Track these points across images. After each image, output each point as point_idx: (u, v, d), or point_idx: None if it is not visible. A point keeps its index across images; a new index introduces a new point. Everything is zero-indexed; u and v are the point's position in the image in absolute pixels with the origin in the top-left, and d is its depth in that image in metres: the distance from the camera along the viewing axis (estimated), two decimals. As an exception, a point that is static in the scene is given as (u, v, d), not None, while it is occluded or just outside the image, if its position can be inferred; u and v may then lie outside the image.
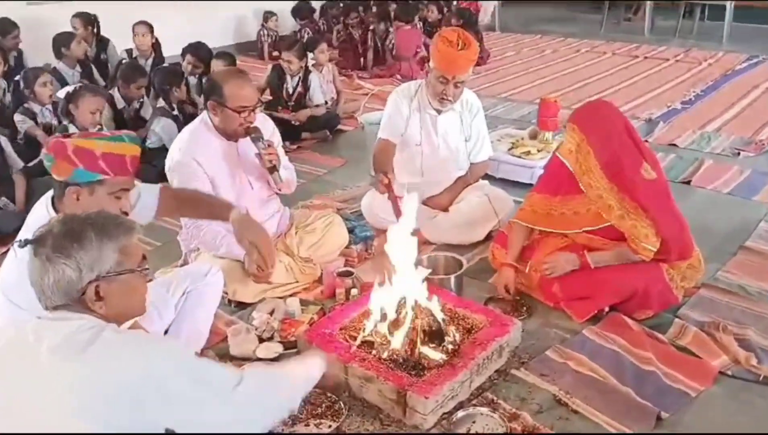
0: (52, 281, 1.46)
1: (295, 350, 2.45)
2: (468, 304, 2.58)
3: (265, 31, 8.20)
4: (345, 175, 4.37)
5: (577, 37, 9.14)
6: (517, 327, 2.46)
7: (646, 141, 4.77)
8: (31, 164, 3.79)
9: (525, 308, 2.74)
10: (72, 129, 3.66)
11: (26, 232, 1.89)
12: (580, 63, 7.66)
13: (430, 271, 2.40)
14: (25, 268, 1.52)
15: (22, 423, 1.37)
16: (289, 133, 4.91)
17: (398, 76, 6.88)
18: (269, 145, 2.81)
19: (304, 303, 2.80)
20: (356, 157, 4.52)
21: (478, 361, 2.23)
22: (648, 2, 9.50)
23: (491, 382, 2.30)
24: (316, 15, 8.62)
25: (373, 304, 2.34)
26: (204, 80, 3.70)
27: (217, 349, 2.51)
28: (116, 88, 4.66)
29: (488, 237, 3.21)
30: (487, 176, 3.70)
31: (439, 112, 3.28)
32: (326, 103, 5.30)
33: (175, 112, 4.55)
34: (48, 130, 4.14)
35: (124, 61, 5.53)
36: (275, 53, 7.73)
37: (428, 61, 3.23)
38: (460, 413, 2.13)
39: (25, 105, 4.26)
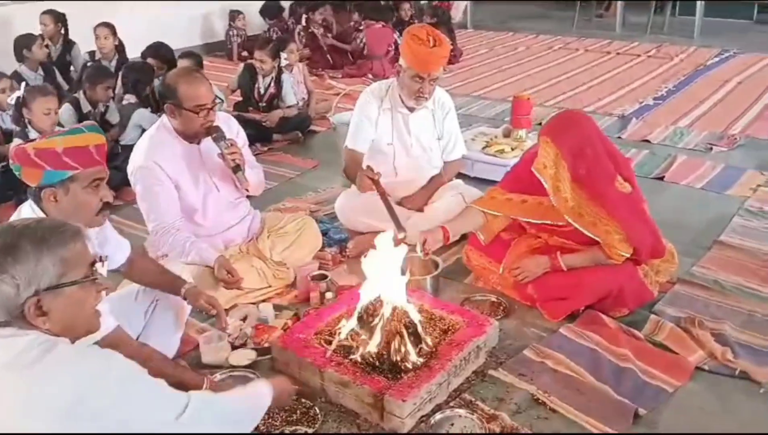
0: None
1: (269, 356, 2.41)
2: (444, 304, 2.56)
3: (234, 31, 8.08)
4: (317, 177, 4.32)
5: (550, 34, 9.18)
6: (494, 327, 2.44)
7: (620, 137, 4.80)
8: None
9: (502, 308, 2.73)
10: (33, 133, 3.56)
11: None
12: (552, 60, 7.69)
13: (407, 274, 2.36)
14: None
15: None
16: (261, 134, 4.86)
17: (370, 76, 6.83)
18: (232, 145, 2.75)
19: (277, 308, 2.75)
20: (329, 159, 4.46)
21: (456, 362, 2.21)
22: (619, -1, 9.59)
23: (469, 383, 2.28)
24: (285, 14, 8.52)
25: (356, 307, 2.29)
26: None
27: (189, 357, 2.46)
28: (81, 92, 4.54)
29: (463, 237, 3.19)
30: (461, 175, 3.69)
31: (411, 110, 3.26)
32: (297, 104, 5.23)
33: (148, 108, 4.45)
34: (10, 137, 4.01)
35: (88, 64, 5.39)
36: (244, 53, 7.65)
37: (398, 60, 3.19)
38: (438, 416, 2.11)
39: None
